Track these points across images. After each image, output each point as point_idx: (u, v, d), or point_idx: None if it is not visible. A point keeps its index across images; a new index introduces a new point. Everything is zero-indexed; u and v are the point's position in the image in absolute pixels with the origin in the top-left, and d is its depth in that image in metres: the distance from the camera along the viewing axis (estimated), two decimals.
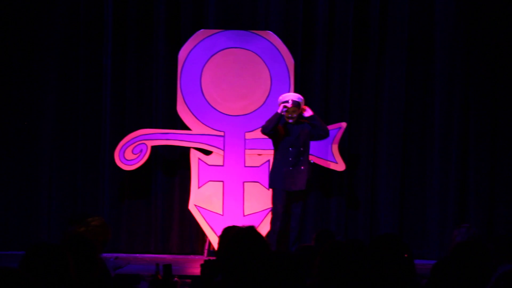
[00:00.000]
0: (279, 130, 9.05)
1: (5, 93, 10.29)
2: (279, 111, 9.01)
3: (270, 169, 9.35)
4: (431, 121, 10.43)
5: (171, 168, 10.38)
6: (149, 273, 5.70)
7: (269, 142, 9.29)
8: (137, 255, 10.13)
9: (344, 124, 9.96)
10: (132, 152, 9.86)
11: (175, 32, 10.36)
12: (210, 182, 9.89)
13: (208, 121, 9.93)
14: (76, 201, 10.32)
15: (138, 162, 9.89)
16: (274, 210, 9.08)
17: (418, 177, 10.46)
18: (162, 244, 10.33)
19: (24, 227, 10.30)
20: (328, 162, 9.91)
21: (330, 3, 10.39)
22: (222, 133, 9.92)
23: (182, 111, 9.94)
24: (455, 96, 10.37)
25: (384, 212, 10.41)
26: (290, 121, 9.04)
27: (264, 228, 9.51)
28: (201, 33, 10.03)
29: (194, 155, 9.93)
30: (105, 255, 6.00)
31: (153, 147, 10.00)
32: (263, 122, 9.26)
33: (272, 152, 9.29)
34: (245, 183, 9.89)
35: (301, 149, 9.03)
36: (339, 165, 9.93)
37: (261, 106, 9.94)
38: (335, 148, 9.87)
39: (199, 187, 9.88)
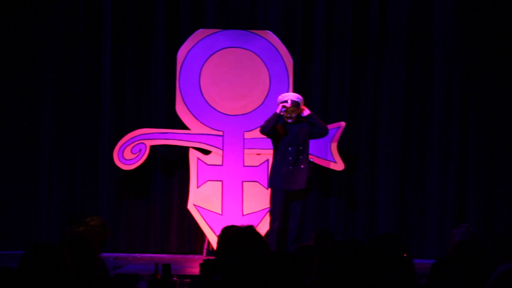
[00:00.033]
0: (278, 130, 9.05)
1: (4, 93, 10.28)
2: (278, 111, 9.01)
3: (269, 169, 9.35)
4: (430, 121, 10.44)
5: (170, 167, 10.38)
6: (148, 272, 5.70)
7: (268, 141, 9.29)
8: (136, 254, 10.13)
9: (343, 124, 9.96)
10: (131, 152, 9.86)
11: (174, 31, 10.36)
12: (209, 182, 9.89)
13: (207, 121, 9.93)
14: (75, 200, 10.32)
15: (137, 161, 9.89)
16: (273, 210, 9.08)
17: (417, 176, 10.47)
18: (161, 243, 10.33)
19: (23, 226, 10.30)
20: (328, 162, 9.91)
21: (329, 2, 10.39)
22: (221, 133, 9.92)
23: (181, 110, 9.94)
24: (454, 96, 10.37)
25: (383, 211, 10.42)
26: (289, 121, 9.04)
27: (263, 228, 9.51)
28: (200, 33, 10.03)
29: (193, 155, 9.93)
30: (104, 255, 5.99)
31: (152, 147, 10.00)
32: (262, 122, 9.27)
33: (271, 151, 9.29)
34: (244, 183, 9.89)
35: (300, 148, 9.04)
36: (338, 165, 9.93)
37: (260, 105, 9.94)
38: (334, 147, 9.88)
39: (198, 187, 9.88)
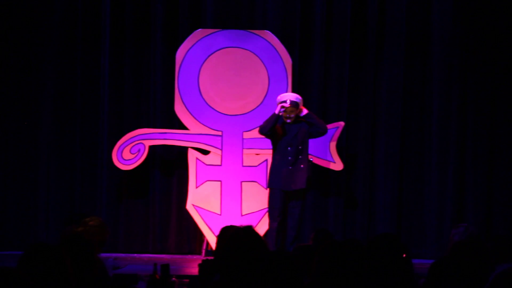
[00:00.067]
0: (277, 130, 9.05)
1: (3, 93, 10.28)
2: (276, 111, 9.00)
3: (268, 169, 9.35)
4: (429, 121, 10.44)
5: (169, 167, 10.38)
6: (147, 273, 5.71)
7: (267, 141, 9.30)
8: (135, 255, 10.13)
9: (342, 124, 9.96)
10: (130, 152, 9.86)
11: (172, 31, 10.35)
12: (208, 182, 9.89)
13: (206, 121, 9.93)
14: (74, 201, 10.31)
15: (135, 161, 9.89)
16: (271, 210, 9.07)
17: (416, 176, 10.47)
18: (160, 244, 10.33)
19: (22, 227, 10.29)
20: (327, 162, 9.91)
21: (328, 2, 10.39)
22: (220, 133, 9.91)
23: (180, 110, 9.93)
24: (453, 95, 10.37)
25: (382, 211, 10.42)
26: (288, 121, 9.03)
27: (262, 228, 9.51)
28: (199, 33, 10.02)
29: (192, 155, 9.93)
30: (103, 255, 5.99)
31: (151, 147, 10.00)
32: (261, 122, 9.27)
33: (270, 151, 9.29)
34: (243, 183, 9.89)
35: (300, 147, 9.03)
36: (337, 165, 9.93)
37: (259, 105, 9.94)
38: (333, 147, 9.88)
39: (197, 187, 9.88)
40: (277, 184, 9.00)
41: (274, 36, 10.02)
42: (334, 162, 9.91)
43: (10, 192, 10.29)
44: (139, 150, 9.87)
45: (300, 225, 9.18)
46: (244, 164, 9.90)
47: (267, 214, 9.42)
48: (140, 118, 10.35)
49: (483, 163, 10.39)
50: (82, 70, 10.31)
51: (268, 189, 9.17)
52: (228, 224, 5.66)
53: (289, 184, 8.98)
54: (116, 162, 9.86)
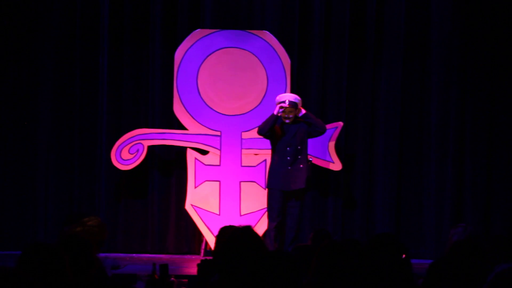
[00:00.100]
0: (276, 130, 9.05)
1: (1, 92, 10.27)
2: (275, 112, 9.00)
3: (267, 169, 9.36)
4: (428, 121, 10.44)
5: (168, 168, 10.38)
6: (146, 273, 5.71)
7: (266, 141, 9.30)
8: (134, 255, 10.13)
9: (340, 124, 9.97)
10: (128, 152, 9.86)
11: (171, 31, 10.35)
12: (206, 182, 9.89)
13: (205, 121, 9.93)
14: (72, 201, 10.31)
15: (134, 162, 9.89)
16: (270, 211, 9.07)
17: (415, 176, 10.47)
18: (159, 244, 10.33)
19: (21, 227, 10.29)
20: (326, 162, 9.91)
21: (327, 2, 10.39)
22: (218, 133, 9.91)
23: (179, 110, 9.93)
24: (452, 96, 10.38)
25: (381, 211, 10.42)
26: (287, 121, 9.04)
27: (260, 228, 9.51)
28: (198, 33, 10.02)
29: (191, 155, 9.93)
30: (101, 255, 5.99)
31: (150, 147, 10.00)
32: (259, 122, 9.27)
33: (268, 151, 9.29)
34: (242, 183, 9.89)
35: (299, 147, 9.03)
36: (336, 165, 9.94)
37: (257, 106, 9.94)
38: (332, 147, 9.88)
39: (195, 187, 9.88)
40: (276, 184, 9.00)
41: (273, 36, 10.02)
42: (333, 162, 9.91)
43: (9, 192, 10.29)
44: (138, 150, 9.86)
45: (299, 225, 9.18)
46: (243, 164, 9.90)
47: (266, 214, 9.43)
48: (139, 118, 10.34)
49: (482, 163, 10.39)
50: (81, 70, 10.31)
51: (267, 189, 9.17)
52: (227, 224, 5.66)
53: (288, 184, 8.98)
54: (115, 162, 9.85)
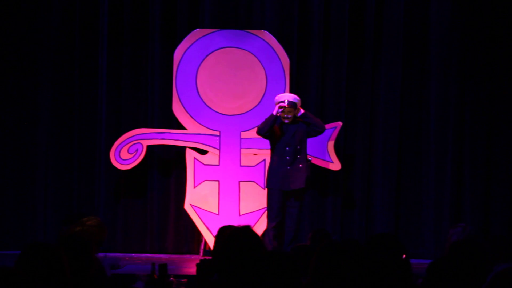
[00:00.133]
0: (275, 130, 9.05)
1: (1, 93, 10.27)
2: (274, 112, 9.01)
3: (266, 169, 9.36)
4: (427, 121, 10.44)
5: (167, 167, 10.38)
6: (145, 272, 5.70)
7: (265, 141, 9.30)
8: (133, 254, 10.13)
9: (340, 124, 9.96)
10: (127, 152, 9.85)
11: (170, 31, 10.35)
12: (205, 182, 9.89)
13: (204, 121, 9.93)
14: (72, 201, 10.31)
15: (133, 161, 9.89)
16: (270, 210, 9.08)
17: (414, 176, 10.47)
18: (158, 243, 10.33)
19: (20, 226, 10.29)
20: (325, 162, 9.91)
21: (326, 2, 10.39)
22: (217, 133, 9.91)
23: (178, 110, 9.93)
24: (451, 95, 10.38)
25: (380, 211, 10.42)
26: (286, 121, 9.04)
27: (260, 228, 9.51)
28: (197, 33, 10.02)
29: (190, 155, 9.93)
30: (101, 254, 5.99)
31: (149, 147, 10.00)
32: (258, 122, 9.27)
33: (268, 151, 9.30)
34: (241, 183, 9.89)
35: (298, 147, 9.03)
36: (335, 165, 9.94)
37: (256, 105, 9.94)
38: (331, 147, 9.88)
39: (194, 187, 9.88)
40: (276, 184, 9.01)
41: (272, 36, 10.02)
42: (332, 162, 9.91)
43: (8, 192, 10.29)
44: (137, 150, 9.86)
45: (298, 225, 9.19)
46: (242, 164, 9.90)
47: (264, 214, 9.43)
48: (138, 118, 10.34)
49: (481, 163, 10.39)
50: (80, 70, 10.30)
51: (266, 189, 9.17)
52: (226, 224, 5.66)
53: (287, 184, 8.98)
54: (114, 162, 9.85)
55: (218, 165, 9.90)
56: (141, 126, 10.10)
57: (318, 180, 10.26)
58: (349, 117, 10.40)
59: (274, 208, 9.01)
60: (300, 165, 9.03)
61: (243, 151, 9.90)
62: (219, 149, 9.90)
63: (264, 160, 9.76)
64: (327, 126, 9.58)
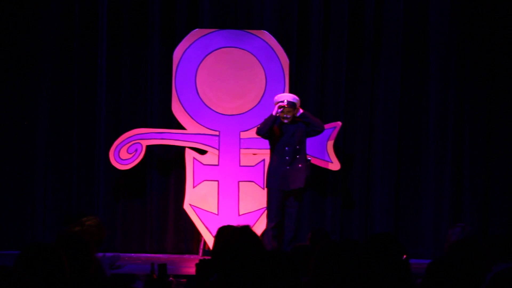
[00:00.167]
0: (275, 130, 9.05)
1: (0, 93, 10.27)
2: (274, 112, 9.01)
3: (265, 169, 9.36)
4: (426, 121, 10.44)
5: (166, 167, 10.37)
6: (144, 272, 5.70)
7: (264, 141, 9.30)
8: (132, 254, 10.13)
9: (339, 124, 9.96)
10: (127, 152, 9.85)
11: (169, 31, 10.35)
12: (205, 182, 9.89)
13: (203, 121, 9.93)
14: (71, 200, 10.30)
15: (133, 161, 9.88)
16: (269, 210, 9.08)
17: (413, 176, 10.47)
18: (157, 243, 10.32)
19: (20, 226, 10.28)
20: (324, 162, 9.91)
21: (325, 2, 10.38)
22: (217, 133, 9.91)
23: (177, 110, 9.93)
24: (450, 95, 10.38)
25: (379, 211, 10.42)
26: (285, 121, 9.04)
27: (259, 228, 9.51)
28: (196, 33, 10.02)
29: (189, 155, 9.93)
30: (99, 254, 5.99)
31: (148, 147, 9.99)
32: (258, 122, 9.28)
33: (267, 151, 9.30)
34: (240, 183, 9.88)
35: (297, 147, 9.04)
36: (334, 165, 9.94)
37: (256, 105, 9.94)
38: (330, 147, 9.88)
39: (194, 187, 9.88)
40: (275, 184, 9.01)
41: (271, 36, 10.02)
42: (332, 162, 9.91)
43: (8, 192, 10.28)
44: (136, 150, 9.86)
45: (298, 225, 9.19)
46: (241, 164, 9.90)
47: (264, 214, 9.43)
48: (137, 118, 10.34)
49: (480, 163, 10.39)
50: (79, 71, 10.30)
51: (266, 189, 9.18)
52: (226, 224, 5.66)
53: (287, 184, 8.98)
54: (113, 162, 9.85)
55: (217, 165, 9.90)
56: (140, 126, 10.10)
57: (317, 180, 10.26)
58: (348, 117, 10.40)
59: (273, 208, 9.01)
60: (300, 165, 9.03)
61: (242, 151, 9.90)
62: (219, 149, 9.90)
63: (264, 160, 9.75)
64: (326, 126, 9.59)
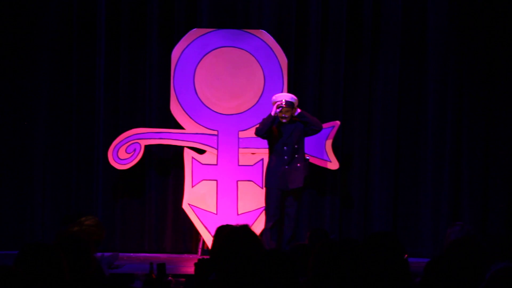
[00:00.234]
0: (273, 130, 9.06)
1: None
2: (272, 112, 9.02)
3: (264, 168, 9.37)
4: (425, 120, 10.44)
5: (165, 167, 10.37)
6: (143, 272, 5.70)
7: (263, 140, 9.31)
8: (131, 254, 10.12)
9: (337, 123, 9.97)
10: (125, 152, 9.85)
11: (168, 31, 10.35)
12: (203, 181, 9.89)
13: (202, 120, 9.93)
14: (70, 200, 10.30)
15: (131, 161, 9.88)
16: (268, 210, 9.09)
17: (412, 175, 10.47)
18: (156, 243, 10.32)
19: (18, 226, 10.28)
20: (323, 161, 9.92)
21: (324, 1, 10.38)
22: (215, 132, 9.91)
23: (176, 110, 9.93)
24: (449, 94, 10.38)
25: (378, 210, 10.42)
26: (284, 120, 9.05)
27: (258, 227, 9.51)
28: (194, 32, 10.02)
29: (188, 154, 9.93)
30: (98, 254, 5.99)
31: (147, 146, 9.99)
32: (256, 121, 9.29)
33: (266, 150, 9.31)
34: (239, 182, 9.89)
35: (296, 146, 9.05)
36: (333, 164, 9.94)
37: (254, 105, 9.94)
38: (329, 146, 9.88)
39: (192, 186, 9.88)
40: (274, 183, 9.02)
41: (270, 36, 10.02)
42: (330, 161, 9.91)
43: (6, 192, 10.27)
44: (135, 150, 9.86)
45: (296, 224, 9.19)
46: (240, 164, 9.90)
47: (262, 213, 9.44)
48: (136, 118, 10.34)
49: (479, 161, 10.39)
50: (78, 70, 10.30)
51: (264, 188, 9.18)
52: (224, 223, 5.66)
53: (286, 183, 8.99)
54: (112, 162, 9.85)
55: (216, 164, 9.91)
56: (139, 126, 10.10)
57: (316, 180, 10.25)
58: (347, 116, 10.40)
59: (272, 208, 9.02)
60: (298, 164, 9.03)
61: (241, 150, 9.91)
62: (217, 149, 9.90)
63: (262, 159, 9.76)
64: (325, 125, 9.60)
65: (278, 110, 9.00)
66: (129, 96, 10.36)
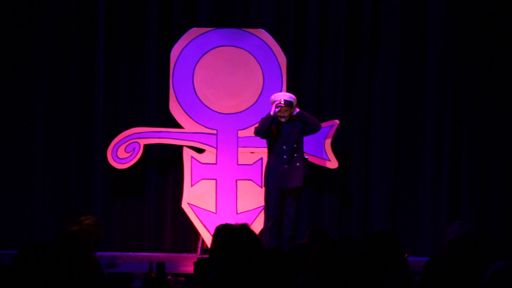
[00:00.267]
0: (272, 130, 9.06)
1: None
2: (271, 112, 9.02)
3: (263, 168, 9.37)
4: (424, 119, 10.44)
5: (164, 166, 10.38)
6: (143, 271, 5.70)
7: (262, 139, 9.30)
8: (131, 253, 10.13)
9: (337, 122, 9.97)
10: (124, 151, 9.85)
11: (167, 30, 10.35)
12: (203, 180, 9.89)
13: (201, 119, 9.93)
14: (69, 200, 10.31)
15: (131, 160, 9.88)
16: (267, 209, 9.09)
17: (411, 174, 10.47)
18: (155, 242, 10.32)
19: (18, 226, 10.28)
20: (322, 160, 9.92)
21: (323, 1, 10.38)
22: (214, 131, 9.91)
23: (175, 109, 9.93)
24: (448, 94, 10.38)
25: (377, 209, 10.42)
26: (283, 120, 9.05)
27: (257, 226, 9.51)
28: (193, 32, 10.02)
29: (187, 153, 9.93)
30: (98, 253, 5.99)
31: (146, 146, 10.00)
32: (255, 120, 9.29)
33: (265, 150, 9.31)
34: (238, 181, 9.89)
35: (295, 145, 9.05)
36: (332, 163, 9.94)
37: (253, 104, 9.94)
38: (328, 145, 9.88)
39: (192, 185, 9.88)
40: (273, 183, 9.02)
41: (269, 35, 10.02)
42: (329, 160, 9.92)
43: (5, 191, 10.27)
44: (134, 149, 9.86)
45: (296, 224, 9.19)
46: (239, 163, 9.91)
47: (262, 212, 9.44)
48: (135, 117, 10.34)
49: (478, 161, 10.39)
50: (77, 69, 10.30)
51: (264, 187, 9.18)
52: (224, 222, 5.66)
53: (285, 182, 8.99)
54: (111, 161, 9.85)
55: (215, 163, 9.91)
56: (138, 125, 10.10)
57: (315, 178, 10.26)
58: (346, 115, 10.40)
59: (271, 207, 9.03)
60: (298, 164, 9.04)
61: (240, 149, 9.91)
62: (216, 148, 9.90)
63: (261, 158, 9.76)
64: (324, 124, 9.60)
65: (277, 109, 9.00)
66: (128, 95, 10.36)
